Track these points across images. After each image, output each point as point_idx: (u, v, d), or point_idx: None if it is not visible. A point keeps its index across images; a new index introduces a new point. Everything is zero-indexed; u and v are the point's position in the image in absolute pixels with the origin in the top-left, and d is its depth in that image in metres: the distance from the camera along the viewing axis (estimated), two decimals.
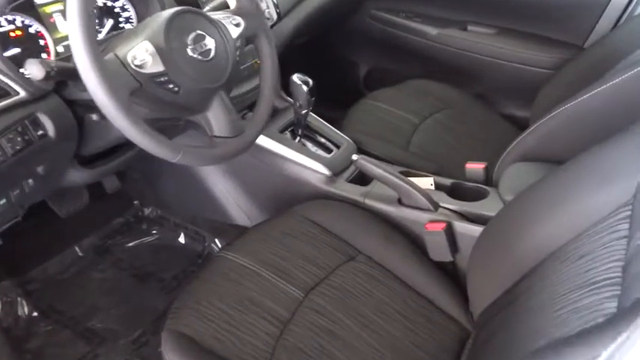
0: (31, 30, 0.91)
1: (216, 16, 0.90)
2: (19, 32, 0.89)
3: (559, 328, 0.58)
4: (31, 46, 0.91)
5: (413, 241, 1.10)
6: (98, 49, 0.71)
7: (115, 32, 0.97)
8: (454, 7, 1.71)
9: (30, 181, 0.88)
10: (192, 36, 0.82)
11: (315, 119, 1.31)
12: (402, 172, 1.20)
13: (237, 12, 0.94)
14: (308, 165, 1.21)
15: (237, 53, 0.90)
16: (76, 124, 0.90)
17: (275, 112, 1.32)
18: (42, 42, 0.93)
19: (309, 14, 1.45)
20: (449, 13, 1.71)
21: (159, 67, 0.77)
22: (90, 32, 0.69)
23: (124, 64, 0.75)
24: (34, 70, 0.74)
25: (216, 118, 0.86)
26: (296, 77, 1.20)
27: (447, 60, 1.71)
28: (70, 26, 0.69)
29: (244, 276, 0.97)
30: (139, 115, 0.76)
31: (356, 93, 1.92)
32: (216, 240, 1.45)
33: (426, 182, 1.21)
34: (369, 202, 1.15)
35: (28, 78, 0.81)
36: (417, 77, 1.69)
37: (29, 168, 0.86)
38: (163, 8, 1.00)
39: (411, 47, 1.76)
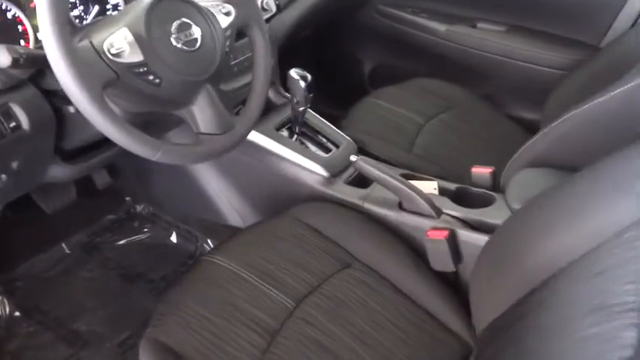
0: (9, 15, 0.86)
1: (205, 3, 0.84)
2: None
3: (576, 355, 0.52)
4: (8, 33, 0.85)
5: (413, 249, 1.03)
6: (68, 34, 0.65)
7: (98, 18, 0.92)
8: (463, 4, 1.64)
9: (3, 176, 0.82)
10: (176, 24, 0.76)
11: (313, 117, 1.25)
12: (404, 175, 1.14)
13: (227, 0, 0.87)
14: (305, 165, 1.15)
15: (227, 44, 0.84)
16: (53, 116, 0.84)
17: (272, 108, 1.26)
18: (20, 28, 0.87)
19: (313, 5, 1.39)
20: (458, 9, 1.64)
21: (137, 57, 0.71)
22: (60, 14, 0.64)
23: (98, 52, 0.69)
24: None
25: (202, 113, 0.80)
26: (293, 72, 1.13)
27: (455, 58, 1.64)
28: (39, 6, 0.63)
29: (231, 282, 0.91)
30: (116, 108, 0.70)
31: (360, 91, 1.86)
32: (209, 240, 1.39)
33: (429, 186, 1.14)
34: (367, 205, 1.09)
35: None
36: (423, 75, 1.62)
37: (1, 163, 0.81)
38: None
39: (418, 44, 1.69)
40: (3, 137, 0.77)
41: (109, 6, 0.99)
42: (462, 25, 1.62)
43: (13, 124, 0.78)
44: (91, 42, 0.70)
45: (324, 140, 1.24)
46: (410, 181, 1.10)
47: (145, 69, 0.72)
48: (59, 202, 1.21)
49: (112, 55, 0.69)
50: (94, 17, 0.96)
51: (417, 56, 1.73)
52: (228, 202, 1.30)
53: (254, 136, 1.17)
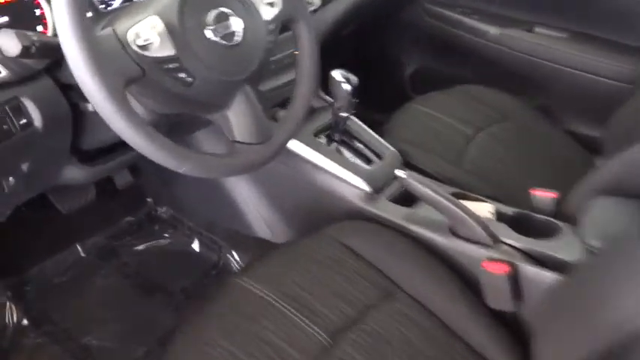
0: None
1: None
2: None
3: None
4: (24, 16, 0.75)
5: (465, 280, 0.91)
6: (88, 20, 0.54)
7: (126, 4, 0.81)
8: (520, 5, 1.50)
9: (10, 179, 0.72)
10: (213, 14, 0.65)
11: (354, 123, 1.13)
12: (454, 194, 1.02)
13: None
14: (345, 177, 1.03)
15: (271, 40, 0.73)
16: (70, 113, 0.74)
17: (310, 112, 1.14)
18: (38, 12, 0.77)
19: (358, 3, 1.27)
20: (514, 11, 1.51)
21: (168, 50, 0.60)
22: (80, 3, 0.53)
23: (122, 42, 0.58)
24: (7, 42, 0.58)
25: (239, 118, 0.69)
26: (337, 73, 1.02)
27: (507, 64, 1.51)
28: None
29: (262, 311, 0.80)
30: (138, 107, 0.60)
31: (400, 94, 1.74)
32: (233, 252, 1.28)
33: (484, 209, 1.02)
34: (414, 228, 0.97)
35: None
36: (470, 81, 1.49)
37: (10, 164, 0.71)
38: None
39: (467, 47, 1.56)
40: (11, 136, 0.67)
41: None
42: (517, 28, 1.49)
43: (23, 121, 0.68)
44: (114, 30, 0.59)
45: (366, 150, 1.12)
46: (461, 201, 0.98)
47: (177, 65, 0.61)
48: (76, 203, 1.12)
49: (139, 47, 0.59)
50: (122, 2, 0.86)
51: (464, 60, 1.60)
52: (256, 212, 1.19)
53: (289, 142, 1.06)
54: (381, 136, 1.19)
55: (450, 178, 1.14)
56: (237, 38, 0.66)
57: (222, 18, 0.65)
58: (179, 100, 0.66)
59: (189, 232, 1.34)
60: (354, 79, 1.03)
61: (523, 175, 1.19)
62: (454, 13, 1.54)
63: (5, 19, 0.72)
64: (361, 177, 1.03)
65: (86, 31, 0.53)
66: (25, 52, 0.59)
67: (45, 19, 0.77)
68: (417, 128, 1.30)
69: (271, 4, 0.73)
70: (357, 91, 1.04)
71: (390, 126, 1.30)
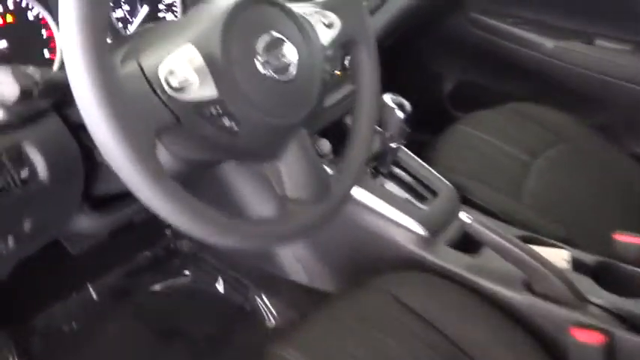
0: (31, 15, 0.63)
1: (301, 9, 0.59)
2: (10, 17, 0.61)
3: None
4: (27, 39, 0.62)
5: (546, 347, 0.77)
6: (106, 51, 0.41)
7: (149, 25, 0.68)
8: (578, 15, 1.35)
9: (9, 240, 0.59)
10: (265, 40, 0.51)
11: (404, 153, 0.99)
12: (522, 238, 0.88)
13: (329, 6, 0.62)
14: (396, 219, 0.89)
15: (327, 69, 0.60)
16: (81, 158, 0.60)
17: None
18: (45, 33, 0.64)
19: (404, 10, 1.15)
20: (571, 21, 1.36)
21: (209, 91, 0.47)
22: (97, 18, 0.40)
23: (151, 83, 0.45)
24: (2, 85, 0.44)
25: (291, 170, 0.55)
26: (388, 98, 0.89)
27: (564, 80, 1.36)
28: (63, 6, 0.40)
29: None
30: (164, 154, 0.47)
31: (438, 111, 1.59)
32: (262, 295, 1.14)
33: (558, 256, 0.87)
34: (482, 281, 0.83)
35: None
36: (517, 98, 1.35)
37: (7, 225, 0.58)
38: None
39: (516, 61, 1.42)
40: (10, 192, 0.54)
41: (161, 5, 0.76)
42: (576, 41, 1.33)
43: (25, 173, 0.55)
44: (140, 65, 0.46)
45: (417, 184, 0.98)
46: (531, 245, 0.84)
47: (219, 110, 0.48)
48: (87, 242, 0.99)
49: (173, 88, 0.45)
50: (141, 22, 0.73)
51: (513, 75, 1.45)
52: (290, 252, 1.05)
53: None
54: (428, 163, 1.05)
55: (512, 215, 1.00)
56: (292, 71, 0.52)
57: (275, 45, 0.51)
58: (219, 149, 0.53)
59: (213, 269, 1.20)
60: (407, 105, 0.90)
61: (594, 210, 1.05)
62: (504, 24, 1.40)
63: (4, 44, 0.60)
64: (415, 219, 0.89)
65: (107, 73, 0.40)
66: (25, 94, 0.45)
67: (53, 41, 0.64)
68: (468, 155, 1.15)
69: (329, 25, 0.59)
70: (410, 119, 0.91)
71: (436, 152, 1.16)
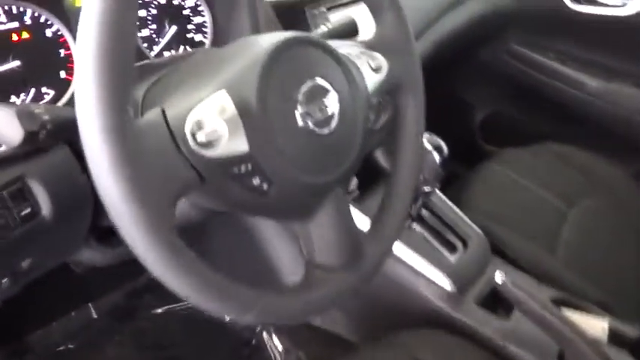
0: (49, 32, 0.57)
1: (346, 49, 0.53)
2: (26, 34, 0.55)
3: None
4: (43, 59, 0.57)
5: None
6: (126, 104, 0.35)
7: (177, 54, 0.62)
8: (627, 55, 1.27)
9: (4, 280, 0.53)
10: (306, 88, 0.44)
11: (436, 196, 0.92)
12: (556, 301, 0.81)
13: (376, 45, 0.56)
14: (422, 271, 0.83)
15: (371, 119, 0.53)
16: (90, 193, 0.55)
17: (380, 177, 0.94)
18: (62, 52, 0.58)
19: (446, 38, 1.10)
20: (619, 61, 1.28)
21: (240, 146, 0.40)
22: (120, 66, 0.34)
23: (175, 137, 0.38)
24: (3, 128, 0.39)
25: (323, 233, 0.48)
26: (425, 139, 0.82)
27: (606, 123, 1.29)
28: (81, 40, 0.34)
29: None
30: (183, 210, 0.42)
31: (467, 142, 1.53)
32: (271, 330, 1.08)
33: (596, 326, 0.80)
34: (512, 348, 0.76)
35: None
36: (552, 137, 1.27)
37: (3, 266, 0.52)
38: (256, 26, 0.63)
39: (555, 97, 1.35)
40: (9, 232, 0.48)
41: (191, 26, 0.70)
42: (622, 82, 1.26)
43: (26, 210, 0.49)
44: (164, 113, 0.39)
45: (447, 230, 0.91)
46: (566, 308, 0.77)
47: (249, 168, 0.41)
48: (91, 263, 0.93)
49: (199, 144, 0.39)
50: (168, 41, 0.67)
51: (549, 112, 1.38)
52: None
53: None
54: (458, 203, 0.98)
55: (546, 270, 0.93)
56: (334, 123, 0.46)
57: (319, 94, 0.45)
58: (245, 208, 0.47)
59: None
60: (444, 147, 0.83)
61: (636, 276, 0.97)
62: (545, 58, 1.32)
63: (17, 63, 0.54)
64: (444, 272, 0.82)
65: (124, 124, 0.34)
66: (30, 137, 0.40)
67: (71, 62, 0.58)
68: (502, 198, 1.09)
69: (377, 69, 0.53)
70: (446, 162, 0.84)
71: (468, 193, 1.09)
